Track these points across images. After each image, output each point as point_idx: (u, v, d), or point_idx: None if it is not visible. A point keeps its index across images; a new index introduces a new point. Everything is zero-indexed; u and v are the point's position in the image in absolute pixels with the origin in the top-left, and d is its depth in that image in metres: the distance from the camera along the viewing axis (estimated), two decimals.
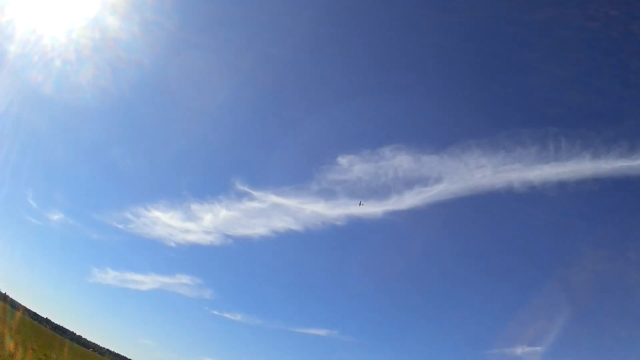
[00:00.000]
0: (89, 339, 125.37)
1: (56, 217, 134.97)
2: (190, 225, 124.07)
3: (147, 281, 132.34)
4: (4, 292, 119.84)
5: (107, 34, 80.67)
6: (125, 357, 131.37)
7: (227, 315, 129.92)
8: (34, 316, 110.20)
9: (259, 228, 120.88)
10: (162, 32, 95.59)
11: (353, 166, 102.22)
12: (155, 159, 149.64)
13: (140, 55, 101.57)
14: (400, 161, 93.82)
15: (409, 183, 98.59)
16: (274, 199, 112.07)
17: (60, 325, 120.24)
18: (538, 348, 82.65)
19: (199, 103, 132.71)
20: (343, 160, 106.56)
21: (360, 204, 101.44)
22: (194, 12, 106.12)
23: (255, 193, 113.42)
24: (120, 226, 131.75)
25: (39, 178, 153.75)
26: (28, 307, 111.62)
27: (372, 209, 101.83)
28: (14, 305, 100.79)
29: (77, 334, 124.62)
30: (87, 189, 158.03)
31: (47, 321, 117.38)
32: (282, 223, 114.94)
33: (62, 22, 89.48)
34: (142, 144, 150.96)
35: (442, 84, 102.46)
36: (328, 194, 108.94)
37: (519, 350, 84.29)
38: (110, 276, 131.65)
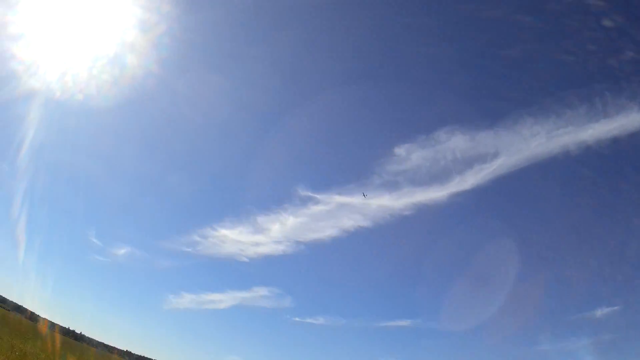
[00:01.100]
0: None
1: (122, 251, 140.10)
2: (259, 238, 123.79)
3: (225, 299, 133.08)
4: (79, 332, 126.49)
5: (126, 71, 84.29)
6: None
7: (309, 320, 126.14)
8: (112, 349, 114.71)
9: (328, 230, 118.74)
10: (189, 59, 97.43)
11: (411, 154, 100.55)
12: (213, 179, 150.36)
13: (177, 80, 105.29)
14: (456, 142, 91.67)
15: (468, 162, 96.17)
16: (338, 199, 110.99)
17: (142, 355, 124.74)
18: (616, 307, 78.31)
19: (246, 120, 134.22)
20: (400, 150, 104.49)
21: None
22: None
23: (319, 196, 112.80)
24: (189, 250, 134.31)
25: (98, 216, 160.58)
26: (106, 342, 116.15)
27: (437, 193, 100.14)
28: (91, 343, 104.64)
29: None
30: (150, 220, 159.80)
31: (128, 354, 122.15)
32: (350, 221, 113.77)
33: (85, 59, 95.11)
34: (196, 167, 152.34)
35: (484, 61, 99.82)
36: (391, 185, 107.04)
37: (598, 313, 79.42)
38: (186, 300, 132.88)
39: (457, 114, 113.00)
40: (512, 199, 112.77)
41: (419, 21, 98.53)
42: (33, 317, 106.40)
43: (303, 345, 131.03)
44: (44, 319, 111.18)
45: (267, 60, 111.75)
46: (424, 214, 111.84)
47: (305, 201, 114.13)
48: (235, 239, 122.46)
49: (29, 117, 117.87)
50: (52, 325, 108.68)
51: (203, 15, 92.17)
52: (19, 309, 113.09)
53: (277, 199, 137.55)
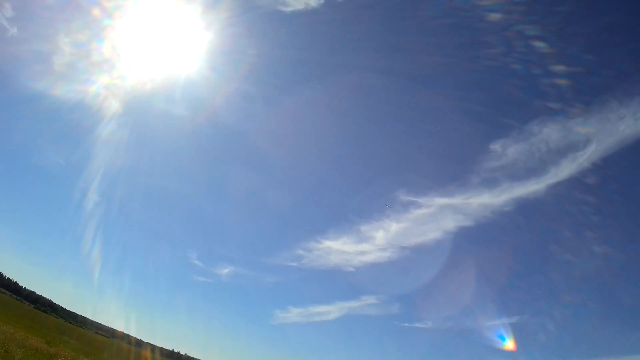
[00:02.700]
0: None
1: (225, 271, 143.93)
2: (364, 247, 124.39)
3: (333, 310, 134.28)
4: (184, 353, 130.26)
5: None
6: None
7: (417, 325, 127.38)
8: None
9: (431, 233, 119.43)
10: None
11: (506, 149, 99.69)
12: (313, 192, 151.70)
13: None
14: (548, 133, 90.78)
15: (562, 152, 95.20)
16: (439, 201, 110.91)
17: None
18: None
19: (342, 129, 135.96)
20: (495, 146, 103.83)
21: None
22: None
23: (420, 200, 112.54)
24: (294, 264, 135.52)
25: (198, 238, 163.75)
26: None
27: (534, 186, 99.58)
28: None
29: None
30: (251, 237, 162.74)
31: None
32: (452, 222, 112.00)
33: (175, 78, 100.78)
34: (296, 181, 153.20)
35: (569, 51, 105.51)
36: (490, 182, 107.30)
37: None
38: (293, 314, 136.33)
39: (546, 104, 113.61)
40: (610, 183, 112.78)
41: None
42: (138, 344, 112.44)
43: (413, 350, 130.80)
44: (147, 343, 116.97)
45: (364, 68, 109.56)
46: (523, 208, 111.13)
47: (407, 206, 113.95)
48: (340, 249, 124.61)
49: (118, 143, 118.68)
50: (154, 349, 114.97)
51: (294, 27, 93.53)
52: (123, 336, 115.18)
53: (379, 206, 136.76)
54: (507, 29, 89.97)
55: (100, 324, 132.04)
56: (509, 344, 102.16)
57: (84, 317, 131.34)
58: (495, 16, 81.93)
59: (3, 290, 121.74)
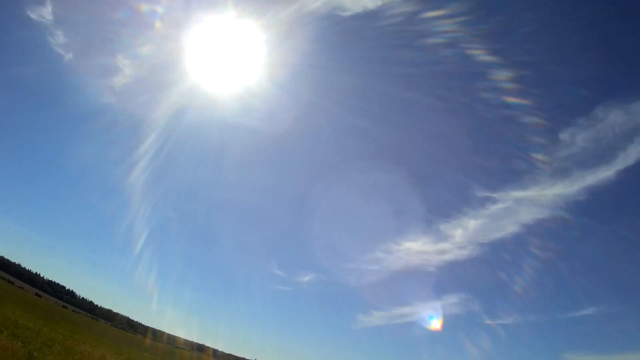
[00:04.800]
0: None
1: (306, 278, 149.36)
2: (443, 246, 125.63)
3: (415, 311, 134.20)
4: None
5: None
6: None
7: (499, 321, 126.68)
8: None
9: (509, 227, 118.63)
10: None
11: (575, 137, 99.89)
12: (389, 195, 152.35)
13: None
14: (613, 117, 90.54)
15: (628, 136, 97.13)
16: (514, 194, 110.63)
17: None
18: None
19: (413, 132, 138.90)
20: (564, 135, 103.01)
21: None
22: None
23: (496, 195, 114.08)
24: (375, 267, 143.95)
25: (278, 248, 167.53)
26: None
27: (605, 173, 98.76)
28: None
29: None
30: (330, 244, 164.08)
31: None
32: (529, 215, 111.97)
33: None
34: (372, 186, 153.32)
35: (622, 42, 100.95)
36: (561, 172, 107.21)
37: None
38: (376, 318, 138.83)
39: (608, 88, 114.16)
40: None
41: None
42: (220, 356, 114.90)
43: (498, 347, 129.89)
44: (230, 355, 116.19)
45: (434, 63, 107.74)
46: (596, 196, 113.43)
47: (484, 202, 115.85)
48: (420, 249, 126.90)
49: (188, 158, 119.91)
50: None
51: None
52: (200, 348, 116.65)
53: (456, 204, 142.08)
54: None
55: (182, 338, 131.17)
56: (435, 324, 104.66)
57: (164, 332, 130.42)
58: None
59: (78, 310, 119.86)
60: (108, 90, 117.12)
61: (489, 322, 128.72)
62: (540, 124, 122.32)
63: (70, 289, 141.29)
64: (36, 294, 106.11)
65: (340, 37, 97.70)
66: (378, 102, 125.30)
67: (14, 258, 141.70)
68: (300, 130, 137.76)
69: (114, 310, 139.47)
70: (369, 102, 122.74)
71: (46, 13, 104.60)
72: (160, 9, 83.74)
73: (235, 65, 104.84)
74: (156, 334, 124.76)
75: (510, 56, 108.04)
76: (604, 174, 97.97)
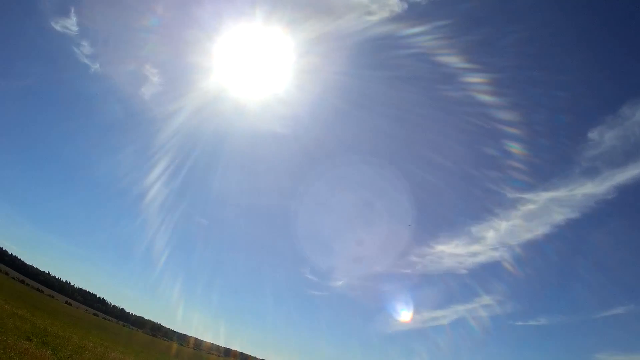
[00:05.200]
0: None
1: (340, 283, 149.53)
2: (476, 248, 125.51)
3: (448, 314, 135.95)
4: None
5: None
6: None
7: (531, 322, 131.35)
8: None
9: (540, 228, 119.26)
10: None
11: (603, 136, 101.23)
12: (421, 198, 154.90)
13: None
14: None
15: None
16: (545, 195, 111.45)
17: None
18: None
19: (443, 135, 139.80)
20: (593, 134, 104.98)
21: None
22: None
23: (527, 196, 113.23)
24: (408, 271, 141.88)
25: (311, 254, 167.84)
26: None
27: (633, 171, 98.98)
28: None
29: None
30: (363, 249, 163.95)
31: None
32: (560, 216, 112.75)
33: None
34: (403, 189, 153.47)
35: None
36: (591, 172, 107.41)
37: None
38: (409, 321, 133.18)
39: (633, 86, 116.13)
40: None
41: None
42: None
43: (527, 348, 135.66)
44: None
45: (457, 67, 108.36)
46: (626, 194, 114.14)
47: (515, 203, 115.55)
48: (453, 252, 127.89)
49: (220, 165, 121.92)
50: None
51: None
52: (228, 352, 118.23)
53: (487, 206, 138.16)
54: None
55: (210, 343, 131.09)
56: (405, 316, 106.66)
57: (194, 337, 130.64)
58: None
59: (109, 317, 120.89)
60: (136, 99, 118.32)
61: (520, 323, 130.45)
62: (570, 123, 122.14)
63: (101, 297, 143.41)
64: (66, 301, 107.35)
65: (370, 45, 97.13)
66: (409, 106, 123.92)
67: (43, 267, 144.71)
68: (330, 137, 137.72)
69: (145, 317, 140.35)
70: (401, 109, 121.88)
71: (70, 24, 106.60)
72: (187, 17, 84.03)
73: (262, 73, 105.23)
74: (186, 340, 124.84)
75: (540, 60, 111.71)
76: (633, 171, 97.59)
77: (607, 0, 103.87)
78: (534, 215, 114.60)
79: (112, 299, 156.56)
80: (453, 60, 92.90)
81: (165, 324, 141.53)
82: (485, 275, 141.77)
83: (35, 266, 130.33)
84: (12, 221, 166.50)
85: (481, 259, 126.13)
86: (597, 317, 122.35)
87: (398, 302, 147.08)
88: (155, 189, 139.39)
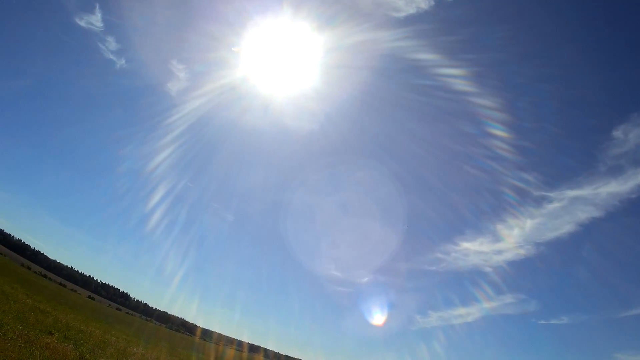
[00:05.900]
0: None
1: (365, 279, 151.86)
2: (500, 246, 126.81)
3: (472, 312, 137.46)
4: None
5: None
6: None
7: (553, 321, 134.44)
8: None
9: (565, 226, 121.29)
10: None
11: (628, 134, 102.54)
12: (447, 195, 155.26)
13: None
14: None
15: None
16: (570, 193, 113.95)
17: None
18: None
19: (468, 132, 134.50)
20: (617, 132, 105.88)
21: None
22: None
23: (551, 194, 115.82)
24: (433, 268, 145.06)
25: (335, 250, 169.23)
26: None
27: None
28: None
29: None
30: (389, 246, 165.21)
31: None
32: (584, 214, 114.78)
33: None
34: (429, 187, 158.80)
35: None
36: (615, 170, 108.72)
37: None
38: (433, 319, 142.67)
39: None
40: None
41: None
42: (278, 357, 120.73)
43: (549, 346, 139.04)
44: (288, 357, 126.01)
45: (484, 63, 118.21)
46: None
47: (539, 201, 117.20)
48: (477, 250, 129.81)
49: (247, 162, 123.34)
50: None
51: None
52: (255, 349, 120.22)
53: (512, 204, 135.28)
54: None
55: (236, 339, 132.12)
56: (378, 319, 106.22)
57: (218, 333, 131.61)
58: None
59: (132, 312, 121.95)
60: (163, 95, 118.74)
61: (542, 322, 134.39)
62: (595, 122, 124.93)
63: (125, 291, 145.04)
64: (89, 296, 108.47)
65: (397, 43, 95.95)
66: (435, 110, 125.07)
67: (66, 261, 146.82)
68: (358, 134, 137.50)
69: (168, 312, 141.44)
70: (426, 111, 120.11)
71: (95, 20, 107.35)
72: (213, 12, 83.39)
73: (291, 69, 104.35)
74: (210, 335, 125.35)
75: (566, 65, 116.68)
76: None
77: None
78: (559, 213, 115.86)
79: (136, 294, 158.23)
80: None
81: (190, 319, 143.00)
82: (510, 273, 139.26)
83: (58, 260, 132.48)
84: (35, 215, 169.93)
85: (506, 256, 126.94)
86: (619, 317, 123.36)
87: (422, 300, 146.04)
88: (179, 186, 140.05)
